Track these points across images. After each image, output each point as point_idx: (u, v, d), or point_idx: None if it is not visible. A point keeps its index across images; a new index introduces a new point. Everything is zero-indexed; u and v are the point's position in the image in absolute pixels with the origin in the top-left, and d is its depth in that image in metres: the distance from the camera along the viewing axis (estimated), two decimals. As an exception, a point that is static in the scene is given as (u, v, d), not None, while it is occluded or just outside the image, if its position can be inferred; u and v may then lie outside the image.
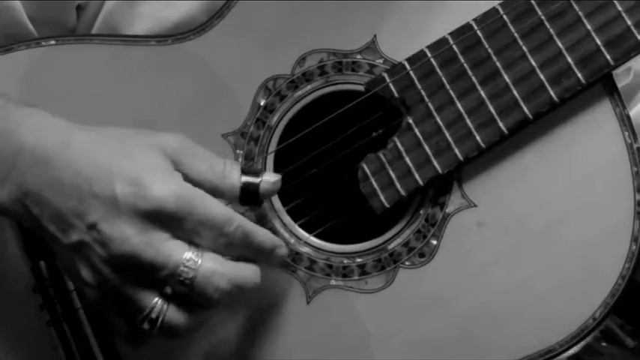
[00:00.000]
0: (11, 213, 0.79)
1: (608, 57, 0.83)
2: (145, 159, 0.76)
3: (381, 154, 0.86)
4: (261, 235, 0.77)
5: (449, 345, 0.85)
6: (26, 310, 0.90)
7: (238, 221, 0.76)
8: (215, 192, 0.77)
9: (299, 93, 0.89)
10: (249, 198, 0.79)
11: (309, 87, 0.89)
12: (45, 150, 0.77)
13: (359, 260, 0.87)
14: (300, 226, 0.89)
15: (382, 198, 0.86)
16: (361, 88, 0.88)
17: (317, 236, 0.89)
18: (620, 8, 0.82)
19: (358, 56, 0.88)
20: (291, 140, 0.88)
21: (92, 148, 0.77)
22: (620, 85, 0.88)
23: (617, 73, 0.88)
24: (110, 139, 0.78)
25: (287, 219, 0.89)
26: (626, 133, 0.84)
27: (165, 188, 0.74)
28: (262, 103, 0.89)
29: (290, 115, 0.89)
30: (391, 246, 0.87)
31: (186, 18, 0.92)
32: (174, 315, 0.75)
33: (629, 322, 1.28)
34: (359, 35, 0.88)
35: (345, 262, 0.87)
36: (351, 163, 0.88)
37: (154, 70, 0.91)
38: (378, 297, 0.86)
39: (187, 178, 0.77)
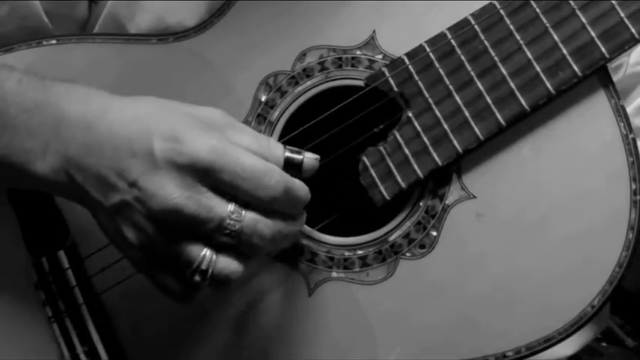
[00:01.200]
0: (54, 184, 0.79)
1: (603, 49, 0.84)
2: (183, 118, 0.76)
3: (381, 147, 0.87)
4: (299, 185, 0.78)
5: (449, 334, 0.86)
6: (28, 306, 0.90)
7: (279, 173, 0.76)
8: None
9: (299, 89, 0.90)
10: (291, 173, 0.78)
11: (309, 83, 0.90)
12: (85, 117, 0.78)
13: (360, 252, 0.88)
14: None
15: (382, 190, 0.87)
16: (361, 83, 0.89)
17: (318, 229, 0.89)
18: (613, 1, 0.84)
19: (358, 52, 0.90)
20: (291, 135, 0.88)
21: (131, 111, 0.77)
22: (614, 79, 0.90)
23: (611, 66, 0.90)
24: (149, 104, 0.79)
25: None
26: (622, 124, 0.85)
27: (202, 142, 0.74)
28: (263, 99, 0.90)
29: (291, 110, 0.90)
30: (392, 238, 0.88)
31: (187, 14, 0.93)
32: (223, 264, 0.75)
33: (629, 322, 1.28)
34: (358, 31, 0.89)
35: (347, 254, 0.88)
36: (352, 156, 0.89)
37: (156, 68, 0.92)
38: (379, 288, 0.87)
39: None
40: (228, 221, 0.74)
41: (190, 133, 0.75)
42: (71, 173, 0.78)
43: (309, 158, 0.79)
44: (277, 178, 0.76)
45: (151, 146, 0.74)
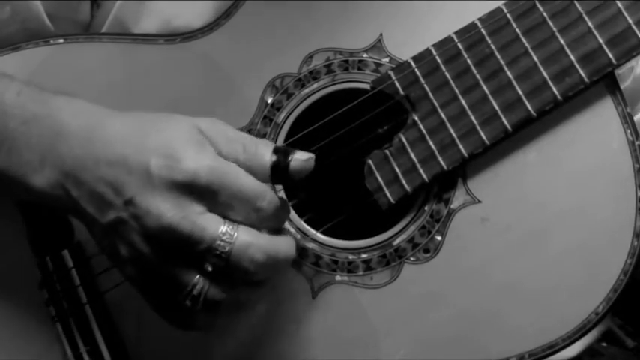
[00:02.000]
0: (50, 198, 0.80)
1: (610, 55, 0.84)
2: (178, 134, 0.77)
3: (386, 150, 0.87)
4: (290, 208, 0.79)
5: (452, 339, 0.86)
6: (32, 306, 0.91)
7: (270, 196, 0.77)
8: (248, 171, 0.78)
9: (306, 91, 0.90)
10: (279, 177, 0.79)
11: (315, 85, 0.90)
12: (83, 132, 0.78)
13: (364, 256, 0.88)
14: (306, 221, 0.90)
15: (388, 194, 0.87)
16: (367, 86, 0.89)
17: (323, 232, 0.89)
18: (620, 6, 0.83)
19: (364, 55, 0.89)
20: (297, 137, 0.89)
21: (127, 128, 0.78)
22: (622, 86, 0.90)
23: (619, 73, 0.90)
24: (143, 120, 0.79)
25: (293, 215, 0.89)
26: (628, 131, 0.85)
27: (199, 161, 0.75)
28: (269, 101, 0.90)
29: (297, 112, 0.90)
30: (396, 242, 0.88)
31: (193, 17, 0.93)
32: (215, 292, 0.76)
33: (629, 322, 1.28)
34: (365, 34, 0.89)
35: (351, 257, 0.88)
36: (357, 159, 0.89)
37: (163, 68, 0.92)
38: (383, 292, 0.87)
39: (220, 156, 0.77)
40: (218, 242, 0.74)
41: (186, 151, 0.75)
42: (67, 188, 0.78)
43: (297, 160, 0.78)
44: (268, 199, 0.76)
45: (147, 164, 0.75)
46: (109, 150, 0.77)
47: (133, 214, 0.75)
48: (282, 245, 0.77)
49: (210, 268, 0.75)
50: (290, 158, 0.78)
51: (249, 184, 0.76)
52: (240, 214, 0.76)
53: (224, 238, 0.74)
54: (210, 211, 0.75)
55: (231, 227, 0.75)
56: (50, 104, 0.80)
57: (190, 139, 0.76)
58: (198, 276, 0.75)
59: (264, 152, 0.78)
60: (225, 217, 0.76)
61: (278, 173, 0.78)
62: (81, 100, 0.81)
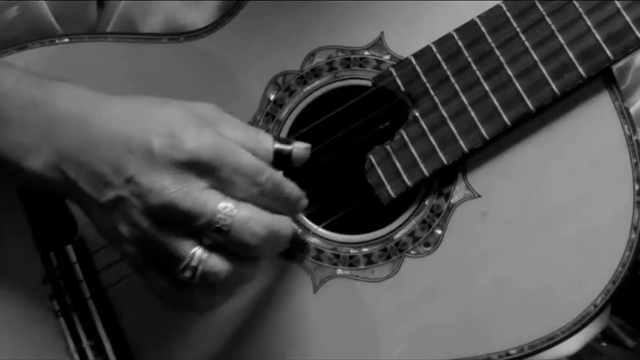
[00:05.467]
0: (46, 180, 0.80)
1: (608, 52, 0.85)
2: (179, 115, 0.78)
3: (387, 146, 0.88)
4: (289, 185, 0.79)
5: (453, 332, 0.86)
6: (36, 300, 0.91)
7: (269, 171, 0.78)
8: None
9: (308, 88, 0.91)
10: (281, 164, 0.80)
11: (317, 82, 0.91)
12: (80, 115, 0.79)
13: (365, 250, 0.89)
14: (308, 216, 0.91)
15: (389, 188, 0.88)
16: (369, 83, 0.90)
17: (324, 227, 0.90)
18: (619, 5, 0.85)
19: (366, 53, 0.91)
20: (299, 133, 0.89)
21: (126, 109, 0.79)
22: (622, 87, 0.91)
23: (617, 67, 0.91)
24: (142, 102, 0.80)
25: (295, 210, 0.90)
26: (626, 126, 0.86)
27: (200, 139, 0.76)
28: (272, 98, 0.91)
29: (299, 109, 0.91)
30: (397, 236, 0.89)
31: (199, 14, 0.94)
32: (214, 263, 0.76)
33: (629, 322, 1.28)
34: (366, 32, 0.90)
35: (352, 251, 0.89)
36: (358, 155, 0.90)
37: (166, 67, 0.93)
38: (383, 286, 0.88)
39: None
40: (219, 216, 0.75)
41: (188, 129, 0.76)
42: (64, 170, 0.79)
43: (299, 148, 0.81)
44: (267, 175, 0.77)
45: (149, 143, 0.76)
46: (109, 131, 0.77)
47: (134, 192, 0.76)
48: (282, 222, 0.78)
49: (209, 242, 0.76)
50: (292, 145, 0.80)
51: (249, 159, 0.77)
52: (241, 189, 0.76)
53: (225, 211, 0.75)
54: (212, 187, 0.76)
55: (232, 202, 0.76)
56: (46, 89, 0.81)
57: (191, 119, 0.77)
58: (197, 247, 0.76)
59: (267, 138, 0.80)
60: (226, 194, 0.76)
61: (281, 159, 0.80)
62: (77, 85, 0.82)
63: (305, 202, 0.82)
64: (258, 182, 0.77)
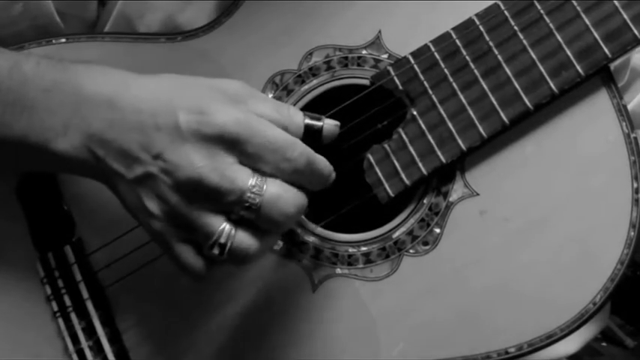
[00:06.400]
0: (75, 161, 0.80)
1: (606, 50, 0.85)
2: (206, 91, 0.77)
3: (386, 145, 0.88)
4: (321, 159, 0.79)
5: (452, 330, 0.86)
6: (34, 301, 0.91)
7: (302, 146, 0.77)
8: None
9: (305, 87, 0.91)
10: (311, 139, 0.79)
11: (315, 81, 0.91)
12: (106, 94, 0.78)
13: (364, 249, 0.89)
14: (306, 216, 0.90)
15: (387, 187, 0.88)
16: (367, 82, 0.90)
17: (323, 226, 0.90)
18: (617, 3, 0.85)
19: (364, 51, 0.91)
20: (298, 132, 0.90)
21: (152, 86, 0.78)
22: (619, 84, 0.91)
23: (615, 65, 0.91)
24: (168, 79, 0.79)
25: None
26: (624, 124, 0.86)
27: (227, 114, 0.75)
28: (270, 97, 0.91)
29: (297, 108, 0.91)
30: (395, 235, 0.89)
31: (196, 13, 0.94)
32: (242, 239, 0.76)
33: (629, 322, 1.28)
34: (364, 31, 0.91)
35: (351, 250, 0.89)
36: (357, 154, 0.90)
37: (164, 66, 0.92)
38: (382, 284, 0.88)
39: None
40: (249, 194, 0.75)
41: (215, 105, 0.76)
42: (93, 149, 0.78)
43: (329, 124, 0.80)
44: (300, 150, 0.76)
45: (177, 119, 0.75)
46: (135, 108, 0.77)
47: (162, 168, 0.75)
48: (306, 197, 0.78)
49: (236, 217, 0.76)
50: (323, 121, 0.80)
51: (280, 134, 0.76)
52: (271, 164, 0.76)
53: (254, 190, 0.75)
54: (241, 163, 0.76)
55: (260, 179, 0.75)
56: (69, 71, 0.80)
57: (219, 95, 0.77)
58: (225, 223, 0.76)
59: (297, 114, 0.79)
60: (255, 170, 0.76)
61: (312, 133, 0.79)
62: (100, 65, 0.81)
63: (334, 175, 0.81)
64: (289, 158, 0.76)
